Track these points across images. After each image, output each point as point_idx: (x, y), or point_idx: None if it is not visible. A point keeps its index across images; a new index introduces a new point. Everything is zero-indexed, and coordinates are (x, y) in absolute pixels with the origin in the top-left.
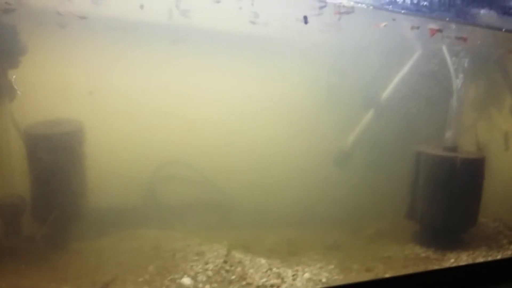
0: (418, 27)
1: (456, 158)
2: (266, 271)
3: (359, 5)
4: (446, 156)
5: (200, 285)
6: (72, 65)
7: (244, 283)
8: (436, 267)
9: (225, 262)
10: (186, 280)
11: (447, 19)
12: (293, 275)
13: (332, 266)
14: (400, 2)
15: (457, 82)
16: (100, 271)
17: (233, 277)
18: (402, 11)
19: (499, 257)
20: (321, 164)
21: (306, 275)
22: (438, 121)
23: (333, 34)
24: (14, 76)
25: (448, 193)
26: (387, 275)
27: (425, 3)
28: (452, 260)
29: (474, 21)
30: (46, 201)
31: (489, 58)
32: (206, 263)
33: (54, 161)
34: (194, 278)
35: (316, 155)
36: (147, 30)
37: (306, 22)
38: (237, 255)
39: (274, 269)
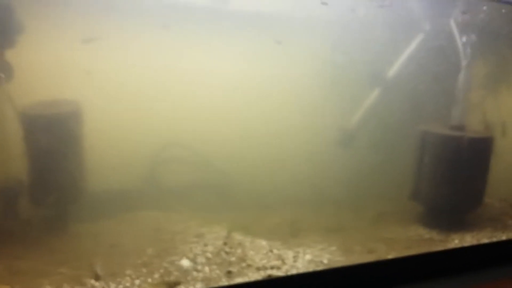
0: None
1: (462, 137)
2: (267, 253)
3: None
4: (452, 135)
5: (199, 266)
6: (70, 44)
7: (244, 264)
8: (439, 248)
9: (225, 243)
10: (185, 262)
11: None
12: (294, 257)
13: (334, 248)
14: None
15: (465, 58)
16: (98, 253)
17: (233, 258)
18: None
19: (504, 238)
20: (324, 144)
21: (307, 256)
22: (444, 99)
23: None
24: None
25: (453, 173)
26: (389, 257)
27: None
28: (456, 241)
29: None
30: (44, 183)
31: (499, 33)
32: (206, 245)
33: (52, 143)
34: (193, 260)
35: (319, 135)
36: (146, 9)
37: None
38: (237, 236)
39: (275, 251)
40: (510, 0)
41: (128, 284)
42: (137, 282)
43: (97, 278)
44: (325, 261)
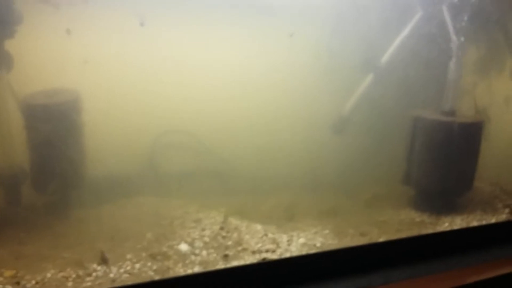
0: None
1: (453, 122)
2: (262, 237)
3: None
4: (443, 120)
5: (197, 250)
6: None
7: (239, 248)
8: (430, 231)
9: (221, 228)
10: (183, 246)
11: None
12: (288, 240)
13: (327, 231)
14: None
15: (456, 44)
16: (100, 238)
17: (229, 242)
18: None
19: (493, 221)
20: (318, 129)
21: (301, 240)
22: (436, 85)
23: None
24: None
25: (444, 157)
26: (381, 239)
27: None
28: (447, 224)
29: None
30: (45, 170)
31: (490, 18)
32: (203, 230)
33: (53, 131)
34: (191, 244)
35: (313, 121)
36: None
37: None
38: (234, 221)
39: (270, 235)
40: None
41: (128, 268)
42: (137, 266)
43: (104, 261)
44: (318, 244)
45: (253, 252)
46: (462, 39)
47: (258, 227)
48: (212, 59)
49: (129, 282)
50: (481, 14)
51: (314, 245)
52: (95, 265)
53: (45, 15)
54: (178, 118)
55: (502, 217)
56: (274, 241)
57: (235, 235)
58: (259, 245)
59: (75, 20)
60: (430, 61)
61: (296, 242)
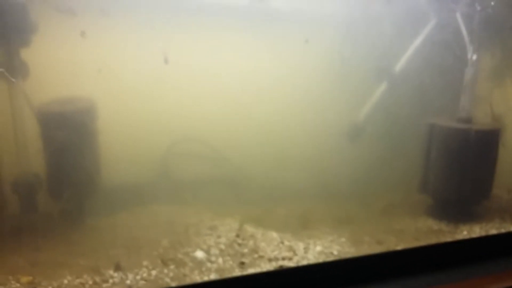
0: None
1: (470, 130)
2: (278, 244)
3: None
4: (460, 127)
5: (213, 258)
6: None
7: (256, 256)
8: (448, 239)
9: (237, 235)
10: (199, 253)
11: None
12: (304, 248)
13: (343, 239)
14: None
15: (472, 51)
16: (115, 245)
17: (245, 250)
18: None
19: None
20: (334, 137)
21: (318, 248)
22: (452, 92)
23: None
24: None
25: (461, 165)
26: (398, 248)
27: None
28: (465, 233)
29: None
30: (61, 178)
31: (505, 25)
32: (219, 237)
33: (68, 139)
34: (207, 251)
35: (328, 129)
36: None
37: None
38: (249, 229)
39: (286, 242)
40: None
41: (145, 275)
42: (153, 273)
43: (117, 268)
44: (335, 252)
45: (270, 260)
46: (477, 45)
47: (274, 234)
48: (227, 66)
49: None
50: (496, 20)
51: (331, 253)
52: (111, 272)
53: (59, 23)
54: (193, 126)
55: None
56: (290, 248)
57: (251, 242)
58: (276, 252)
59: (90, 28)
60: (445, 68)
61: (313, 250)
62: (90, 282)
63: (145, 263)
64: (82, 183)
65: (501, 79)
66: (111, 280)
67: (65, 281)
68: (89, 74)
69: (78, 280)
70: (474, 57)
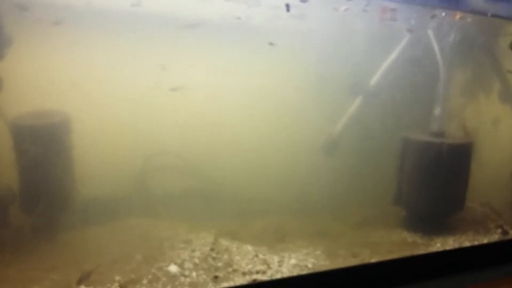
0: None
1: (442, 144)
2: (252, 258)
3: None
4: (433, 141)
5: (187, 272)
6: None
7: (230, 269)
8: (422, 251)
9: (212, 249)
10: (173, 268)
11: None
12: (279, 261)
13: (318, 252)
14: None
15: (443, 67)
16: (88, 260)
17: (220, 264)
18: None
19: (485, 241)
20: (309, 151)
21: (292, 261)
22: (424, 106)
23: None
24: None
25: (435, 178)
26: (373, 260)
27: None
28: (439, 245)
29: (461, 7)
30: (33, 192)
31: (475, 43)
32: (193, 251)
33: (41, 152)
34: (180, 265)
35: (303, 143)
36: (136, 20)
37: (288, 10)
38: (224, 242)
39: (260, 256)
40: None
41: None
42: None
43: (81, 281)
44: (310, 265)
45: (244, 274)
46: (448, 62)
47: (249, 248)
48: (201, 81)
49: None
50: (467, 38)
51: (306, 266)
52: (82, 287)
53: (35, 37)
54: (168, 140)
55: (494, 237)
56: (265, 262)
57: (225, 256)
58: (250, 266)
59: (65, 41)
60: (417, 84)
61: (287, 263)
62: None
63: (117, 278)
64: (56, 197)
65: (473, 94)
66: None
67: None
68: (64, 87)
69: None
70: (445, 72)
